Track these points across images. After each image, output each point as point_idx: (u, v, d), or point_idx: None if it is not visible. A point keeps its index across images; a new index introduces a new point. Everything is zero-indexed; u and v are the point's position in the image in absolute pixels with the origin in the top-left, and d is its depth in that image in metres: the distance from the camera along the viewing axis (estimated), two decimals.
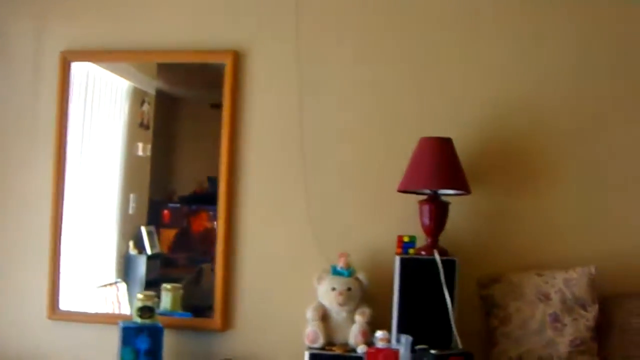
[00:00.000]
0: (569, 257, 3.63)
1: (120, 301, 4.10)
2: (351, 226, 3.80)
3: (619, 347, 3.49)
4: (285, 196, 3.87)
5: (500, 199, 3.74)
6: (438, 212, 3.52)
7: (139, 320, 3.66)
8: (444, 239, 3.62)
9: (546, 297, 3.51)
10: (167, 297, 3.94)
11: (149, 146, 4.11)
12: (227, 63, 3.91)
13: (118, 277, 4.14)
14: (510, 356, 3.50)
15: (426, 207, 3.51)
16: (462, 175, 3.51)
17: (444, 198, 3.57)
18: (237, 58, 3.91)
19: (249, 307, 3.87)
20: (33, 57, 4.13)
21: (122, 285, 4.12)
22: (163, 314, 3.89)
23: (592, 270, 3.52)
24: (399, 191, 3.53)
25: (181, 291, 3.98)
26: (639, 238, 3.66)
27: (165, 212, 4.13)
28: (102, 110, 4.16)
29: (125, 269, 4.19)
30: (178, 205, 4.12)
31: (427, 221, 3.51)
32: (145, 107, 4.13)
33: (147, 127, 4.12)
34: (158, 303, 3.80)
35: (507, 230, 3.72)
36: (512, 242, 3.71)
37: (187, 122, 4.21)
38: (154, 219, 4.12)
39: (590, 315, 3.48)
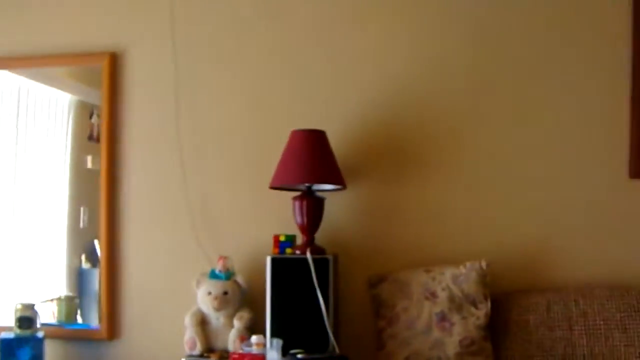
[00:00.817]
0: (461, 252, 3.38)
1: None
2: (233, 227, 3.64)
3: (518, 346, 3.23)
4: (166, 199, 3.72)
5: (383, 193, 3.52)
6: (311, 208, 3.31)
7: (18, 331, 3.51)
8: (329, 237, 3.45)
9: (433, 295, 3.26)
10: (61, 308, 3.81)
11: (99, 159, 3.92)
12: (104, 65, 3.79)
13: (70, 291, 3.96)
14: (397, 359, 3.24)
15: (298, 204, 3.30)
16: (335, 169, 3.30)
17: (319, 194, 3.33)
18: (114, 60, 3.80)
19: (135, 315, 3.74)
20: None
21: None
22: (57, 325, 3.79)
23: (483, 264, 3.25)
24: (272, 188, 3.33)
25: (77, 301, 3.81)
26: (534, 231, 3.41)
27: None
28: (41, 124, 4.02)
29: (78, 283, 4.01)
30: None
31: (299, 218, 3.31)
32: (95, 119, 4.00)
33: (97, 140, 3.96)
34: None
35: (395, 224, 3.51)
36: (401, 237, 3.49)
37: None
38: None
39: (481, 312, 3.22)
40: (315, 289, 3.20)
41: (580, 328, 3.17)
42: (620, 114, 3.34)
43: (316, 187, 3.37)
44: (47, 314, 3.84)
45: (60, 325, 3.81)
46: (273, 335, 3.20)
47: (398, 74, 3.51)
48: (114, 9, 3.83)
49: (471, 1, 3.46)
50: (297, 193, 3.35)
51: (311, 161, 3.26)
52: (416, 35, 3.52)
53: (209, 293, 3.38)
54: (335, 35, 3.59)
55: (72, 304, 3.83)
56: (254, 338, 3.17)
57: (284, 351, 3.11)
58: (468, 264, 3.27)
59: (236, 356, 3.08)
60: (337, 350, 3.17)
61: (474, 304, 3.22)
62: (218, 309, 3.35)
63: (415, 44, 3.51)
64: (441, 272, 3.30)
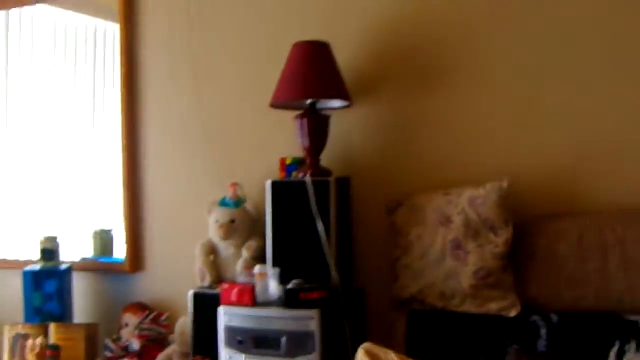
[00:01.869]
0: (486, 173, 3.00)
1: None
2: (248, 151, 3.45)
3: (544, 279, 2.84)
4: (183, 125, 3.59)
5: (398, 110, 3.20)
6: (314, 127, 3.05)
7: (42, 263, 3.51)
8: (342, 159, 3.22)
9: (447, 220, 2.93)
10: (96, 242, 3.78)
11: None
12: None
13: None
14: (411, 292, 2.96)
15: (299, 123, 3.05)
16: (340, 83, 3.03)
17: (325, 112, 3.07)
18: None
19: (158, 247, 3.66)
20: None
21: None
22: (92, 258, 3.80)
23: (504, 184, 2.88)
24: (272, 106, 3.09)
25: (111, 235, 3.76)
26: (567, 149, 2.96)
27: None
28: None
29: None
30: None
31: (301, 139, 3.06)
32: None
33: None
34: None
35: (413, 144, 3.18)
36: (420, 158, 3.16)
37: None
38: None
39: (500, 240, 2.86)
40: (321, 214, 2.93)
41: (616, 259, 2.73)
42: None
43: (321, 105, 3.09)
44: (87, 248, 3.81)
45: (93, 259, 3.75)
46: (276, 265, 2.98)
47: None
48: None
49: None
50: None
51: (312, 75, 3.00)
52: None
53: (217, 221, 3.19)
54: None
55: (107, 238, 3.75)
56: (257, 268, 2.97)
57: (285, 281, 2.88)
58: (488, 184, 2.91)
59: (226, 287, 2.90)
60: (337, 280, 2.90)
61: (493, 230, 2.86)
62: (225, 238, 3.18)
63: None
64: (459, 195, 2.94)
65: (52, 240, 3.54)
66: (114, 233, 3.79)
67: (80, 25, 3.89)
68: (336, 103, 3.10)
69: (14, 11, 4.03)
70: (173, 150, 3.61)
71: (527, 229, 2.89)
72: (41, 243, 3.53)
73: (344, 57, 3.10)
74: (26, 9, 4.00)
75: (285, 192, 3.01)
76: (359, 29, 3.21)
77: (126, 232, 3.65)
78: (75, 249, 3.79)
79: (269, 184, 3.02)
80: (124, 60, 3.65)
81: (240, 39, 3.46)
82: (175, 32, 3.57)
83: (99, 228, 3.81)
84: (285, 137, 3.26)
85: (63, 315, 3.49)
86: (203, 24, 3.52)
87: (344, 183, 3.07)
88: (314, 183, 2.94)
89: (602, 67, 2.89)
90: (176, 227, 3.58)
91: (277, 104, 3.09)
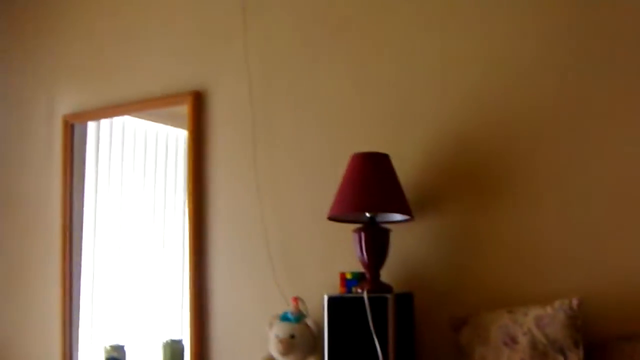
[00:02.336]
0: (552, 289, 2.86)
1: None
2: (311, 265, 3.39)
3: None
4: (247, 236, 3.60)
5: (461, 222, 3.08)
6: (372, 241, 2.96)
7: None
8: (404, 274, 3.09)
9: (512, 341, 2.77)
10: (165, 352, 3.75)
11: None
12: (188, 104, 3.77)
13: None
14: None
15: (357, 236, 2.97)
16: (400, 196, 2.94)
17: (385, 225, 2.99)
18: (197, 99, 3.78)
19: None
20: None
21: None
22: None
23: (574, 303, 2.71)
24: (329, 219, 3.03)
25: (182, 345, 3.73)
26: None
27: None
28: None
29: None
30: None
31: (359, 253, 2.97)
32: None
33: None
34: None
35: (476, 259, 3.04)
36: (483, 272, 3.03)
37: None
38: None
39: None
40: (380, 330, 2.84)
41: None
42: None
43: (381, 218, 3.01)
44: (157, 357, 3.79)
45: None
46: None
47: (474, 88, 3.09)
48: (193, 54, 3.87)
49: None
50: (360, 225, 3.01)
51: (371, 188, 2.94)
52: (496, 46, 3.08)
53: (277, 336, 3.13)
54: (403, 49, 3.30)
55: (177, 348, 3.72)
56: None
57: None
58: (556, 303, 2.74)
59: None
60: None
61: (562, 352, 2.69)
62: (284, 354, 3.11)
63: (495, 54, 3.08)
64: (524, 314, 2.79)
65: (118, 349, 3.54)
66: (184, 343, 3.72)
67: (165, 133, 3.97)
68: (396, 216, 3.00)
69: (105, 121, 4.21)
70: (237, 262, 3.60)
71: (600, 352, 2.70)
72: (106, 351, 3.52)
73: (404, 169, 3.06)
74: (116, 119, 4.11)
75: (342, 308, 2.92)
76: (419, 140, 3.17)
77: (192, 343, 3.61)
78: (147, 358, 3.74)
79: (325, 299, 2.92)
80: (190, 170, 3.73)
81: (301, 150, 3.47)
82: (241, 145, 3.62)
83: (169, 338, 3.74)
84: (349, 250, 3.15)
85: None
86: (267, 137, 3.56)
87: (405, 299, 2.95)
88: (371, 299, 2.83)
89: None
90: (240, 340, 3.54)
91: (335, 217, 3.01)
